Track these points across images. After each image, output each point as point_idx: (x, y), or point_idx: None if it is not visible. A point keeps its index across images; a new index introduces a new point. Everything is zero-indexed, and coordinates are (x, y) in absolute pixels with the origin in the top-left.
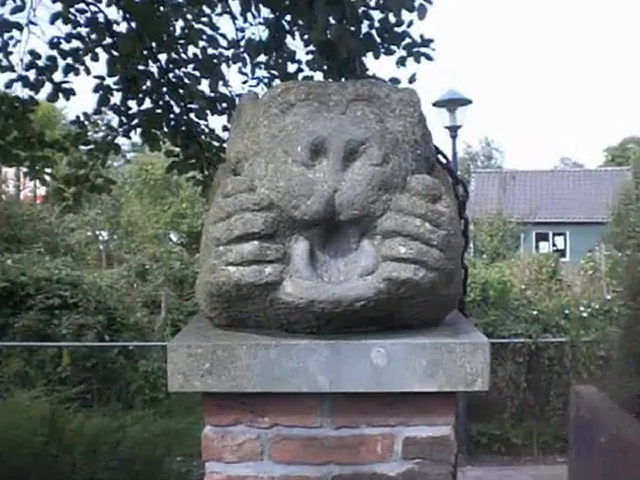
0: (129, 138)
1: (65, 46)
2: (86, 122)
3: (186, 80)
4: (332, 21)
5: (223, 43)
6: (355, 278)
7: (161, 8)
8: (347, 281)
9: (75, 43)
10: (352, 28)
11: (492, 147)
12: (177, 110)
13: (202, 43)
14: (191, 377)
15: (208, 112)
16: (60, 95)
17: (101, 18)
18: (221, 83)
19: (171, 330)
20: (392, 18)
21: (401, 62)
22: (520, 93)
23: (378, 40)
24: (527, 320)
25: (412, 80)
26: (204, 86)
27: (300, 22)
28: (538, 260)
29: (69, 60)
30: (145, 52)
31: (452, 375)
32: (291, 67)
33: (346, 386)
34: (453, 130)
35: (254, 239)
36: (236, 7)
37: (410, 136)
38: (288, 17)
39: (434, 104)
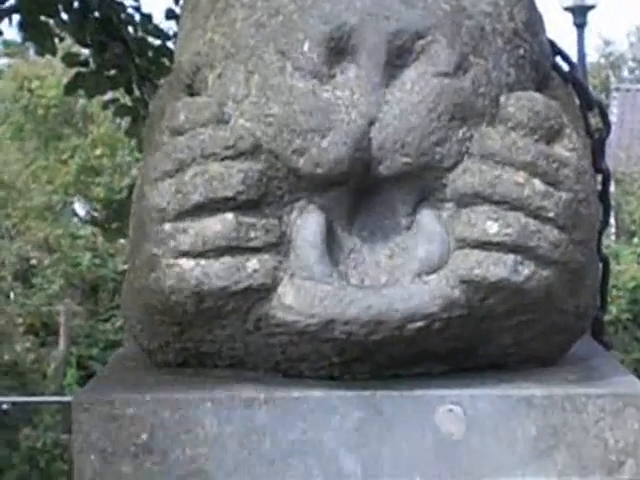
0: None
1: None
2: None
3: None
4: None
5: None
6: (408, 279)
7: None
8: (394, 284)
9: None
10: None
11: None
12: None
13: None
14: (115, 457)
15: None
16: None
17: None
18: None
19: (76, 375)
20: None
21: None
22: None
23: None
24: None
25: None
26: None
27: None
28: None
29: None
30: None
31: (582, 453)
32: None
33: (392, 473)
34: (580, 14)
35: (227, 209)
36: None
37: (506, 23)
38: None
39: None
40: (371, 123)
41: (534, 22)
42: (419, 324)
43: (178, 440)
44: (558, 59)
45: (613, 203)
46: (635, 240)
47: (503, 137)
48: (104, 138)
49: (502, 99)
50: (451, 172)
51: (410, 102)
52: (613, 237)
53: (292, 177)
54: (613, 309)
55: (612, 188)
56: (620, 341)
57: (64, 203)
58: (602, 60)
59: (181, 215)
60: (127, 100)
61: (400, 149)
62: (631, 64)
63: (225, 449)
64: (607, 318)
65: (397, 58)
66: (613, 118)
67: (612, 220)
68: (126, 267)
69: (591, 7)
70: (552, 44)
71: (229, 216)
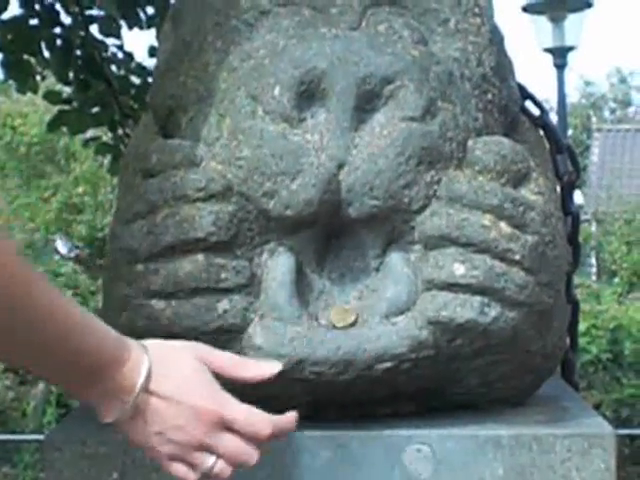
0: None
1: None
2: None
3: None
4: None
5: None
6: (377, 320)
7: None
8: (362, 325)
9: None
10: None
11: (631, 85)
12: (67, 20)
13: None
14: None
15: (122, 23)
16: None
17: None
18: None
19: (56, 414)
20: None
21: None
22: None
23: None
24: None
25: None
26: None
27: None
28: None
29: None
30: None
31: None
32: None
33: None
34: (560, 55)
35: (198, 251)
36: None
37: (474, 68)
38: None
39: (526, 9)
40: (340, 166)
41: (503, 67)
42: (387, 364)
43: (149, 479)
44: (529, 104)
45: (594, 243)
46: (616, 280)
47: (470, 181)
48: (86, 176)
49: (470, 143)
50: (419, 215)
51: (378, 146)
52: (594, 277)
53: (262, 219)
54: (593, 349)
55: (593, 228)
56: (600, 381)
57: (46, 241)
58: (583, 100)
59: (152, 256)
60: (109, 138)
61: (369, 192)
62: (612, 105)
63: None
64: (587, 358)
65: (366, 103)
66: (594, 158)
67: (593, 260)
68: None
69: (571, 48)
70: (522, 88)
71: (200, 257)
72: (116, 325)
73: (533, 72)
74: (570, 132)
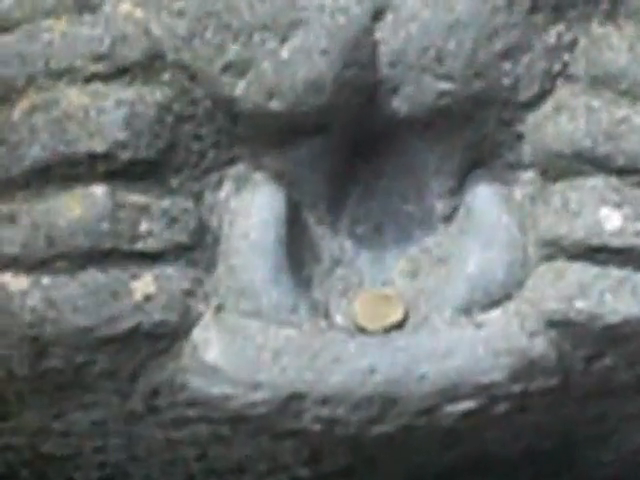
0: None
1: None
2: None
3: None
4: None
5: None
6: (446, 317)
7: None
8: (419, 328)
9: None
10: None
11: None
12: None
13: None
14: None
15: None
16: None
17: None
18: None
19: None
20: None
21: None
22: None
23: None
24: None
25: None
26: None
27: None
28: None
29: None
30: None
31: None
32: None
33: None
34: None
35: (95, 178)
36: None
37: None
38: None
39: None
40: (376, 15)
41: None
42: (466, 405)
43: None
44: None
45: None
46: None
47: (633, 46)
48: None
49: None
50: (532, 111)
51: None
52: None
53: (222, 118)
54: None
55: None
56: None
57: None
58: None
59: (6, 187)
60: None
61: (432, 65)
62: None
63: None
64: None
65: None
66: None
67: None
68: None
69: None
70: None
71: (99, 191)
72: None
73: None
74: None
